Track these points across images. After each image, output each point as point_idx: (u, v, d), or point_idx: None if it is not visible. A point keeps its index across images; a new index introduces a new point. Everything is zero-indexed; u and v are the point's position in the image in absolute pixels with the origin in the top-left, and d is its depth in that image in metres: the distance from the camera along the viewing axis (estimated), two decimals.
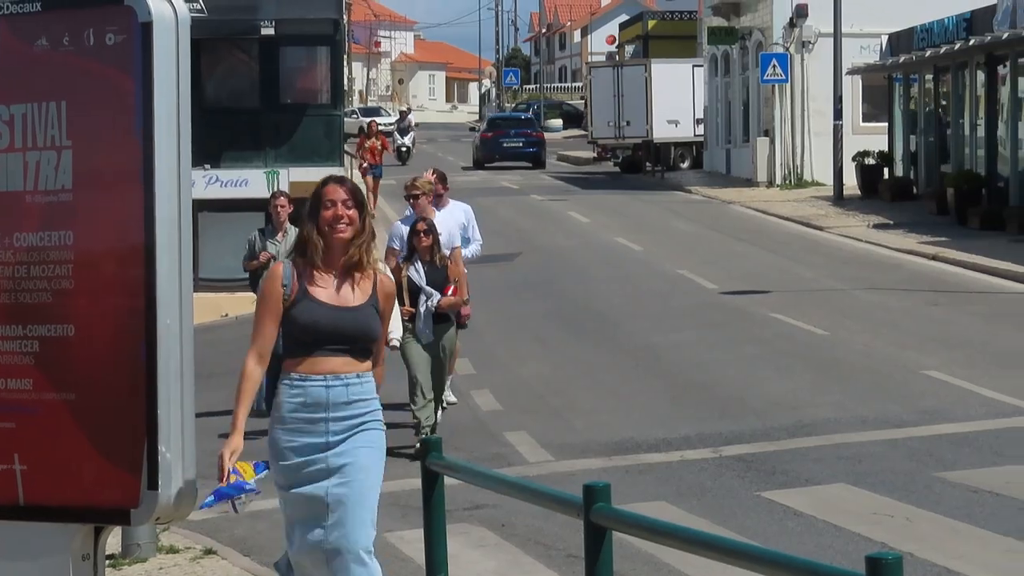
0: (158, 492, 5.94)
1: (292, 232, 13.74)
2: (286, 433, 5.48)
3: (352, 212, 5.53)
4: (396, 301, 6.64)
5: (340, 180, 5.73)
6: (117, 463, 6.02)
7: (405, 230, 12.17)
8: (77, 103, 6.13)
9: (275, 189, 17.77)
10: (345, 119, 32.63)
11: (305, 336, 5.49)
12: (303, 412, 5.46)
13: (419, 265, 11.72)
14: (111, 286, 6.05)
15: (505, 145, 51.04)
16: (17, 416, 6.09)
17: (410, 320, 11.68)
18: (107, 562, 7.44)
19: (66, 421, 6.05)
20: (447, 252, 12.22)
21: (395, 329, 11.34)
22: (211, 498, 5.32)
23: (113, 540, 8.37)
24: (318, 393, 5.45)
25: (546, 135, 59.69)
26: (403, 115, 55.62)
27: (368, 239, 5.68)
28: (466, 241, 13.20)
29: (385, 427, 5.74)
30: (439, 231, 12.17)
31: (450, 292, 11.71)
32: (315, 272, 5.54)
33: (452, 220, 12.95)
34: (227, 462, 5.30)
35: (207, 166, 22.56)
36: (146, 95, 5.96)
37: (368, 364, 5.62)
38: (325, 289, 5.55)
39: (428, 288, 11.58)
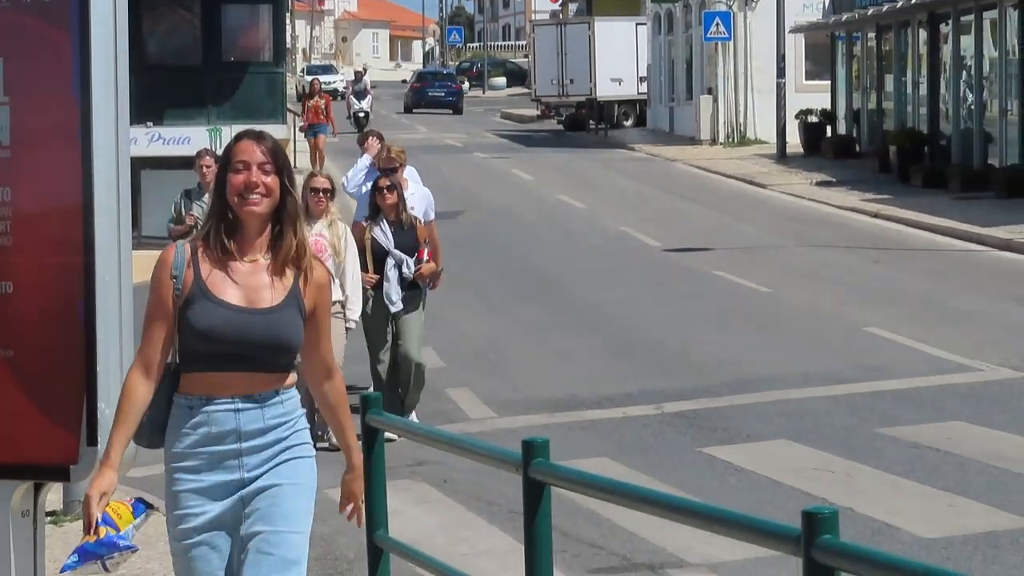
0: (97, 448, 5.83)
1: None
2: (187, 473, 4.14)
3: (270, 179, 4.16)
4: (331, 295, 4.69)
5: (256, 136, 4.30)
6: (56, 420, 6.02)
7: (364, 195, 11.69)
8: (14, 59, 6.12)
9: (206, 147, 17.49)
10: (288, 77, 32.90)
11: (202, 346, 4.13)
12: (209, 445, 4.13)
13: (385, 225, 10.87)
14: (49, 243, 6.05)
15: (430, 94, 60.91)
16: None
17: (374, 288, 10.75)
18: (47, 519, 7.41)
19: (4, 377, 6.07)
20: (418, 216, 11.36)
21: (355, 304, 10.67)
22: (74, 558, 4.11)
23: (53, 497, 8.29)
24: (225, 419, 4.13)
25: (490, 93, 70.46)
26: (358, 76, 48.76)
27: (293, 214, 4.31)
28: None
29: (314, 451, 4.39)
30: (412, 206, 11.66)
31: (425, 257, 10.80)
32: (219, 260, 4.17)
33: (420, 195, 12.10)
34: (95, 508, 4.04)
35: (149, 123, 22.39)
36: (83, 52, 5.96)
37: (290, 377, 4.30)
38: (230, 283, 4.18)
39: (396, 251, 10.72)
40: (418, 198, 11.70)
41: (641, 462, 10.19)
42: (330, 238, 10.41)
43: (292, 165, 4.40)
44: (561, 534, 7.45)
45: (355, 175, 12.86)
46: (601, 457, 10.29)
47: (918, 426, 11.03)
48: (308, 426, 4.42)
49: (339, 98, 51.28)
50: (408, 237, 10.73)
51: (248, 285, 4.16)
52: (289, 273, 4.22)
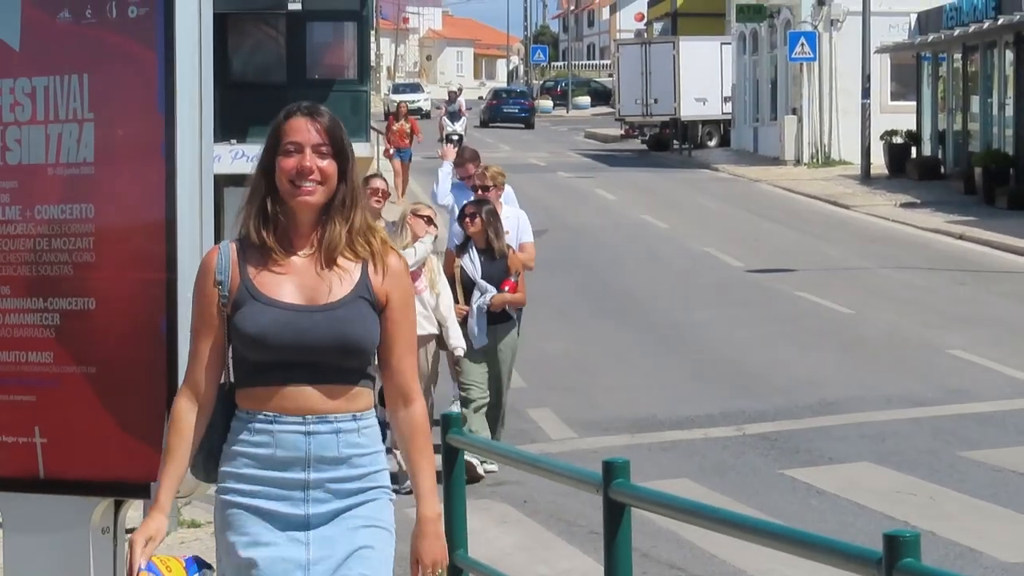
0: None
1: None
2: (243, 496, 3.46)
3: (327, 164, 3.50)
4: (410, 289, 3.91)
5: (310, 112, 3.58)
6: (137, 436, 5.89)
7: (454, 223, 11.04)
8: (99, 76, 6.00)
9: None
10: (372, 95, 33.28)
11: (256, 355, 3.47)
12: (271, 470, 3.44)
13: (474, 254, 10.24)
14: (132, 260, 5.92)
15: (504, 110, 65.64)
16: (38, 390, 6.04)
17: (463, 322, 10.13)
18: (128, 536, 7.65)
19: (86, 394, 5.96)
20: (512, 243, 10.74)
21: (455, 335, 10.10)
22: None
23: (135, 514, 8.66)
24: (294, 442, 3.43)
25: (574, 112, 73.01)
26: (452, 96, 44.24)
27: (353, 205, 3.60)
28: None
29: (394, 495, 3.68)
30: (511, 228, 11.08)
31: (507, 288, 10.10)
32: (269, 256, 3.53)
33: (513, 216, 11.40)
34: (138, 555, 3.40)
35: (233, 141, 22.49)
36: (168, 69, 5.86)
37: (369, 396, 3.57)
38: (283, 280, 3.53)
39: (483, 282, 10.02)
40: (512, 220, 11.17)
41: (722, 483, 10.20)
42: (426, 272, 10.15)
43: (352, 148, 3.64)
44: (641, 555, 7.43)
45: (443, 182, 12.37)
46: (682, 478, 10.26)
47: (1001, 450, 10.97)
48: (387, 467, 3.64)
49: (422, 117, 51.40)
50: (498, 267, 10.12)
51: (304, 281, 3.51)
52: (355, 263, 3.55)
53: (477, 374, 9.98)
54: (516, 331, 10.36)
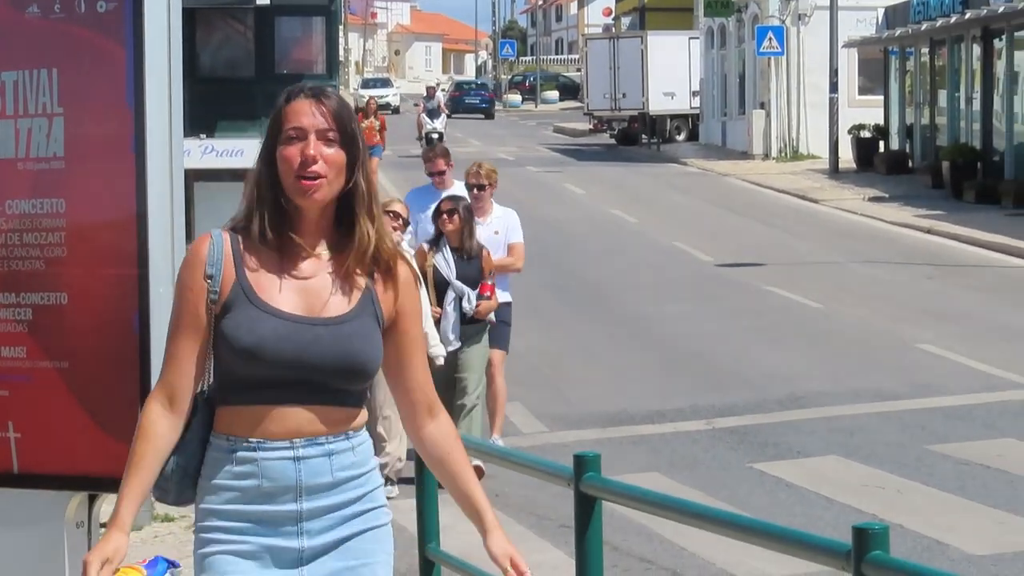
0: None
1: None
2: (226, 533, 3.02)
3: (334, 152, 3.03)
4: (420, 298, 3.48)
5: (315, 94, 3.12)
6: (111, 431, 5.91)
7: (427, 217, 10.46)
8: (68, 71, 6.01)
9: None
10: (342, 90, 33.43)
11: (247, 369, 3.01)
12: (257, 504, 3.02)
13: (447, 252, 9.80)
14: (103, 254, 5.97)
15: (467, 101, 69.03)
16: (11, 384, 6.07)
17: (436, 324, 9.67)
18: (101, 530, 7.53)
19: (60, 389, 5.99)
20: (501, 243, 10.61)
21: (434, 343, 9.36)
22: None
23: (108, 507, 8.27)
24: (282, 470, 3.01)
25: (542, 107, 74.48)
26: (431, 92, 43.68)
27: (364, 197, 3.11)
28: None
29: (390, 514, 3.26)
30: (499, 232, 10.81)
31: (488, 293, 9.78)
32: (268, 255, 3.06)
33: (505, 217, 11.14)
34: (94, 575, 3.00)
35: (202, 136, 22.67)
36: (137, 64, 5.88)
37: (362, 415, 3.16)
38: (284, 285, 3.07)
39: (458, 283, 9.64)
40: (501, 220, 10.92)
41: (692, 477, 10.24)
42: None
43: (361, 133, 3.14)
44: (612, 548, 7.46)
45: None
46: (652, 472, 10.31)
47: (969, 443, 11.06)
48: (382, 483, 3.25)
49: (392, 112, 51.89)
50: (472, 268, 9.76)
51: (308, 288, 3.05)
52: (361, 273, 3.10)
53: (440, 381, 9.33)
54: (485, 337, 9.94)
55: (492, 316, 10.03)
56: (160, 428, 2.99)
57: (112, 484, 5.91)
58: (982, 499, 9.63)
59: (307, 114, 2.97)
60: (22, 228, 5.95)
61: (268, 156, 3.02)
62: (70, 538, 6.03)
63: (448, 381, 9.33)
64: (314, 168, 2.92)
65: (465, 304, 9.70)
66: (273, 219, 2.99)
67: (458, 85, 75.08)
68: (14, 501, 6.08)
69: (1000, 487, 9.95)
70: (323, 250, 3.03)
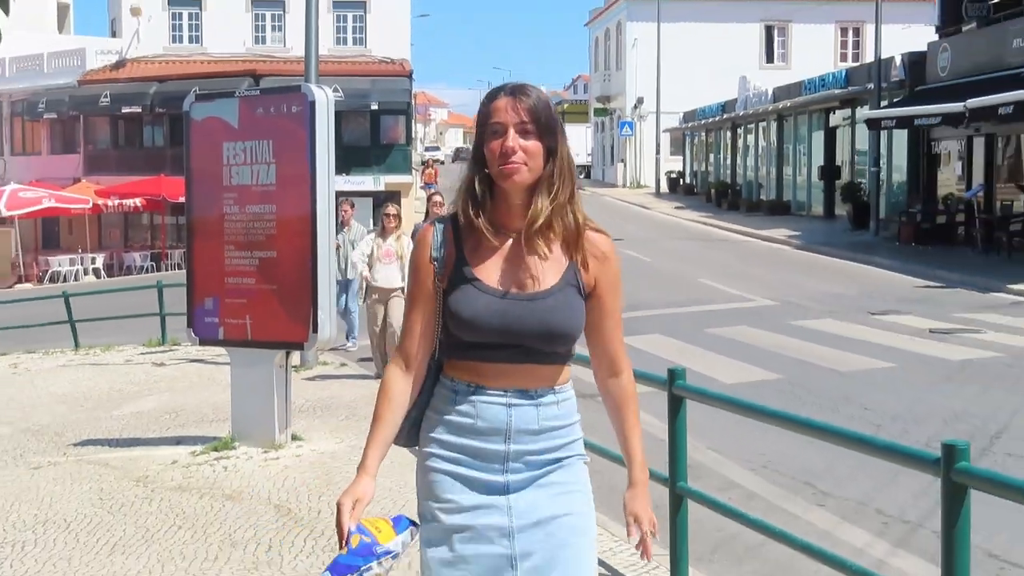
0: (317, 334, 8.01)
1: (355, 226, 14.19)
2: (445, 461, 2.88)
3: (531, 144, 2.79)
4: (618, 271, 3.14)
5: (514, 91, 2.84)
6: (294, 320, 8.10)
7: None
8: (278, 140, 8.13)
9: (376, 188, 32.64)
10: (412, 152, 45.52)
11: (467, 336, 2.85)
12: (472, 438, 2.85)
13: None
14: (294, 232, 8.08)
15: (463, 156, 73.52)
16: (248, 296, 8.33)
17: None
18: (292, 369, 8.88)
19: (271, 299, 8.16)
20: None
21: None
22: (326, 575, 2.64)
23: (295, 355, 9.80)
24: (495, 414, 2.84)
25: None
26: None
27: (562, 182, 2.87)
28: None
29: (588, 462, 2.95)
30: None
31: None
32: (481, 238, 2.86)
33: None
34: (346, 518, 2.72)
35: (344, 174, 31.00)
36: (311, 137, 8.00)
37: (567, 372, 2.93)
38: (494, 265, 2.87)
39: None
40: None
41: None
42: (396, 248, 11.38)
43: (560, 122, 2.90)
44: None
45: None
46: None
47: (726, 328, 14.11)
48: (582, 436, 2.97)
49: (440, 163, 68.65)
50: None
51: (517, 266, 2.84)
52: (564, 249, 2.87)
53: None
54: None
55: None
56: (398, 387, 2.86)
57: (297, 345, 8.13)
58: (731, 355, 12.09)
59: (506, 111, 2.80)
60: (254, 219, 8.18)
61: (477, 151, 2.84)
62: (276, 374, 8.20)
63: None
64: (513, 158, 2.76)
65: None
66: (484, 206, 2.82)
67: (457, 150, 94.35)
68: (250, 353, 8.31)
69: (738, 348, 12.53)
70: (530, 232, 2.81)
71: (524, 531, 2.76)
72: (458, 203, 2.87)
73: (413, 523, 2.76)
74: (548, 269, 2.81)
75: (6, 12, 2.44)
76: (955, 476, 3.41)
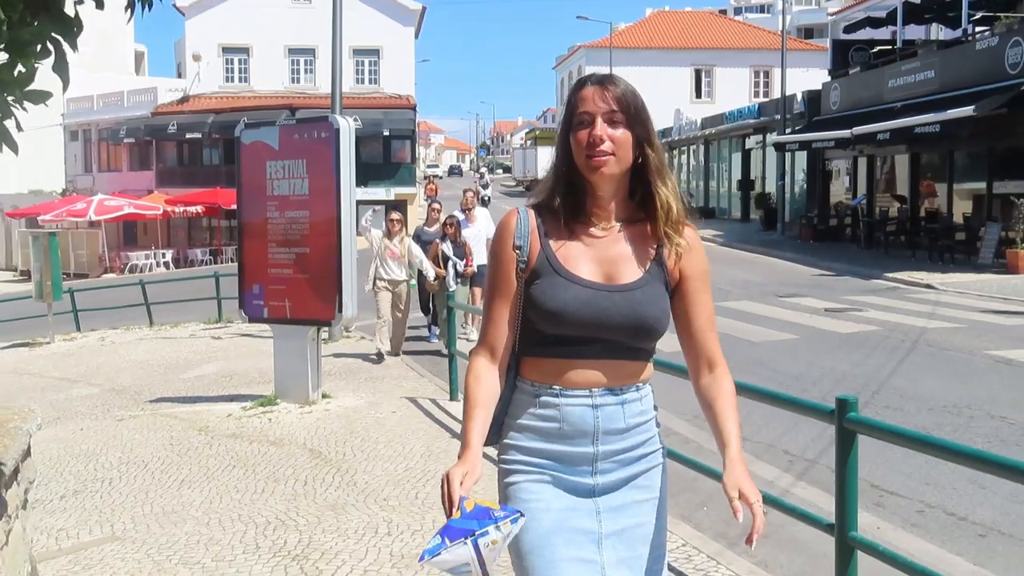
0: (341, 313, 8.08)
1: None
2: (528, 467, 2.22)
3: (620, 133, 2.16)
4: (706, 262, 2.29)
5: (601, 81, 2.20)
6: (326, 301, 8.14)
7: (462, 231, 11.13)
8: (310, 159, 8.15)
9: (388, 197, 31.01)
10: (416, 169, 45.20)
11: (552, 329, 2.18)
12: (557, 443, 2.19)
13: (448, 244, 10.85)
14: (323, 232, 8.15)
15: (454, 171, 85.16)
16: (286, 284, 8.35)
17: (437, 279, 10.56)
18: (322, 341, 8.96)
19: (304, 285, 8.24)
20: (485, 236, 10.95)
21: (431, 274, 10.64)
22: (436, 540, 1.93)
23: (324, 331, 9.33)
24: (581, 416, 2.19)
25: (495, 175, 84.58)
26: (482, 175, 55.76)
27: (658, 168, 2.23)
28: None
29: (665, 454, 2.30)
30: (481, 231, 11.23)
31: (466, 262, 10.81)
32: (568, 228, 2.24)
33: (488, 227, 11.60)
34: (455, 487, 2.05)
35: (362, 186, 29.02)
36: (337, 157, 8.01)
37: (649, 368, 2.27)
38: (583, 255, 2.21)
39: (454, 258, 10.76)
40: (481, 224, 11.65)
41: None
42: (400, 248, 10.80)
43: (647, 111, 2.23)
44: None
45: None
46: None
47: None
48: (659, 428, 2.29)
49: (439, 178, 63.51)
50: (460, 251, 10.83)
51: (604, 258, 2.20)
52: (652, 241, 2.23)
53: (442, 301, 10.20)
54: (468, 283, 10.66)
55: (473, 269, 10.81)
56: (488, 375, 2.20)
57: (326, 323, 8.10)
58: (672, 331, 13.02)
59: (594, 100, 2.18)
60: (292, 222, 8.24)
61: (563, 141, 2.24)
62: (309, 345, 8.24)
63: (444, 302, 9.65)
64: (601, 148, 2.15)
65: (459, 268, 10.83)
66: (569, 196, 2.22)
67: (451, 167, 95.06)
68: (288, 329, 8.29)
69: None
70: (617, 221, 2.24)
71: (611, 536, 2.17)
72: (543, 193, 2.25)
73: (521, 513, 2.05)
74: (636, 260, 2.19)
75: (100, 7, 2.47)
76: (846, 424, 3.37)
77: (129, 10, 2.77)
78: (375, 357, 10.50)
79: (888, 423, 3.55)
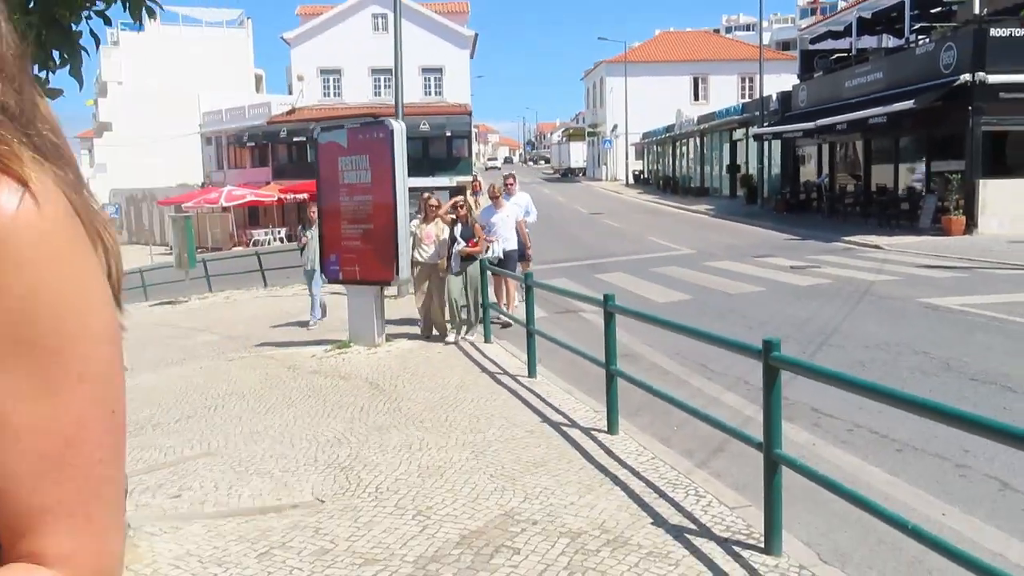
0: (398, 275, 8.06)
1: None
2: None
3: None
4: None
5: None
6: (386, 266, 8.12)
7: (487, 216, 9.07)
8: (372, 155, 8.07)
9: (451, 184, 28.10)
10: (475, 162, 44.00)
11: None
12: None
13: (459, 226, 8.53)
14: (383, 213, 8.10)
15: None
16: (357, 252, 8.24)
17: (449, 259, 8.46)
18: (384, 296, 8.71)
19: (370, 253, 8.14)
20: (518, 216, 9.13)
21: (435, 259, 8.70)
22: None
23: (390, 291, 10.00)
24: None
25: (538, 166, 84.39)
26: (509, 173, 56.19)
27: None
28: (527, 214, 9.62)
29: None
30: (508, 215, 9.07)
31: (470, 244, 8.52)
32: None
33: (515, 205, 9.45)
34: None
35: (431, 175, 30.27)
36: (392, 153, 7.98)
37: None
38: None
39: (461, 239, 8.52)
40: (510, 208, 9.34)
41: (563, 283, 10.68)
42: (436, 231, 8.78)
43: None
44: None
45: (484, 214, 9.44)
46: (561, 278, 11.41)
47: (661, 268, 12.99)
48: None
49: (496, 168, 63.41)
50: (468, 232, 8.59)
51: None
52: None
53: (455, 287, 8.43)
54: (477, 264, 8.42)
55: (492, 251, 8.80)
56: None
57: (387, 282, 7.92)
58: (663, 285, 11.11)
59: None
60: (359, 205, 8.17)
61: None
62: (375, 299, 8.19)
63: (460, 286, 8.46)
64: None
65: (459, 248, 8.41)
66: None
67: (506, 158, 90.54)
68: (359, 288, 8.22)
69: (668, 280, 11.56)
70: None
71: None
72: None
73: None
74: None
75: (108, 23, 2.32)
76: (771, 361, 3.27)
77: (138, 22, 2.65)
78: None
79: (804, 360, 3.40)
